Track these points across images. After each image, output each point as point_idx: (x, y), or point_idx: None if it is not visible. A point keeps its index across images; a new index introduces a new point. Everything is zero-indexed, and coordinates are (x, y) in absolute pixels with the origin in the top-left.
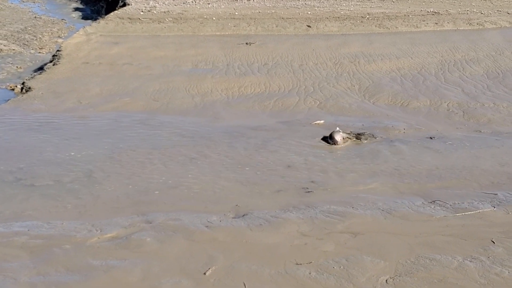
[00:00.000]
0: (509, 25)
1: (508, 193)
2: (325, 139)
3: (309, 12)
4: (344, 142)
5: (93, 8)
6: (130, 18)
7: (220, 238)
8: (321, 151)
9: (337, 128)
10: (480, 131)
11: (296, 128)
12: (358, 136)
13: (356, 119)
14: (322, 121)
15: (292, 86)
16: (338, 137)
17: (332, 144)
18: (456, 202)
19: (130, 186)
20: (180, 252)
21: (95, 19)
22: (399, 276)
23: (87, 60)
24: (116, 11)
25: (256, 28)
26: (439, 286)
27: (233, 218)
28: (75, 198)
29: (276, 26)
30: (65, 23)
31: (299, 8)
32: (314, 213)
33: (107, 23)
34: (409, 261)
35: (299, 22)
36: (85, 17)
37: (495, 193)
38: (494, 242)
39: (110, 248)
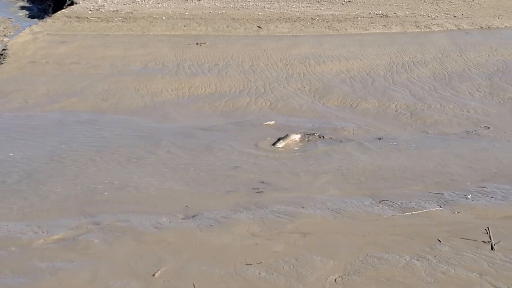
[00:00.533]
0: (456, 28)
1: (454, 192)
2: (278, 141)
3: (259, 13)
4: (293, 144)
5: (40, 7)
6: (78, 17)
7: (170, 239)
8: (271, 152)
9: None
10: (427, 132)
11: (247, 128)
12: (308, 137)
13: (306, 120)
14: (272, 122)
15: (243, 87)
16: (291, 138)
17: (278, 145)
18: (403, 201)
19: (79, 187)
20: (128, 254)
21: (42, 18)
22: (348, 275)
23: (33, 59)
24: (63, 10)
25: (207, 29)
26: (386, 284)
27: (183, 219)
28: (20, 199)
29: (227, 27)
30: (11, 21)
31: (249, 9)
32: (264, 214)
33: (54, 22)
34: (357, 260)
35: (250, 23)
36: (32, 16)
37: (442, 192)
38: (440, 241)
39: (57, 250)
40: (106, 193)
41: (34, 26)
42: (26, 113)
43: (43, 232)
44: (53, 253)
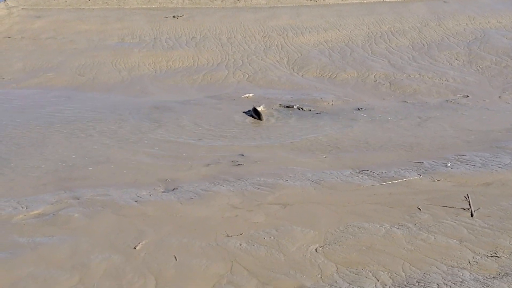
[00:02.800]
0: None
1: (433, 161)
2: (248, 113)
3: None
4: (268, 116)
5: None
6: None
7: (150, 213)
8: (249, 125)
9: (262, 104)
10: (406, 102)
11: (225, 101)
12: (284, 109)
13: (285, 92)
14: (251, 95)
15: (220, 60)
16: (260, 111)
17: (256, 118)
18: (383, 171)
19: (59, 163)
20: (109, 227)
21: None
22: (328, 244)
23: (8, 35)
24: None
25: (183, 1)
26: (367, 253)
27: (163, 192)
28: None
29: None
30: None
31: None
32: (244, 186)
33: None
34: (338, 230)
35: None
36: None
37: (421, 161)
38: (420, 209)
39: (37, 225)
40: (83, 168)
41: (8, 1)
42: (2, 89)
43: (22, 208)
44: (33, 228)
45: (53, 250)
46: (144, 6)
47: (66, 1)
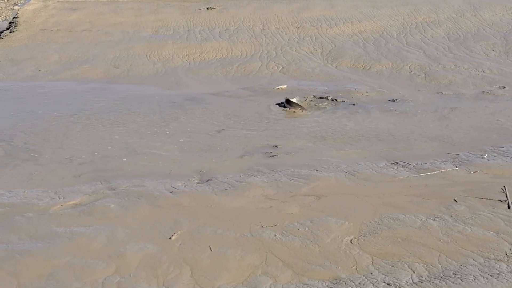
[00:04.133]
0: None
1: (469, 153)
2: (281, 104)
3: None
4: (303, 107)
5: None
6: None
7: (185, 203)
8: (282, 116)
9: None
10: (442, 93)
11: (258, 93)
12: (318, 101)
13: (319, 83)
14: (285, 86)
15: (254, 51)
16: (294, 101)
17: (289, 109)
18: (419, 162)
19: (95, 153)
20: (144, 218)
21: None
22: (363, 236)
23: (45, 27)
24: None
25: None
26: (403, 244)
27: (197, 183)
28: (35, 165)
29: None
30: None
31: None
32: (278, 177)
33: None
34: (373, 222)
35: None
36: None
37: (457, 153)
38: (456, 201)
39: (74, 215)
40: (122, 159)
41: None
42: (38, 82)
43: (59, 198)
44: (70, 218)
45: (90, 240)
46: None
47: None
